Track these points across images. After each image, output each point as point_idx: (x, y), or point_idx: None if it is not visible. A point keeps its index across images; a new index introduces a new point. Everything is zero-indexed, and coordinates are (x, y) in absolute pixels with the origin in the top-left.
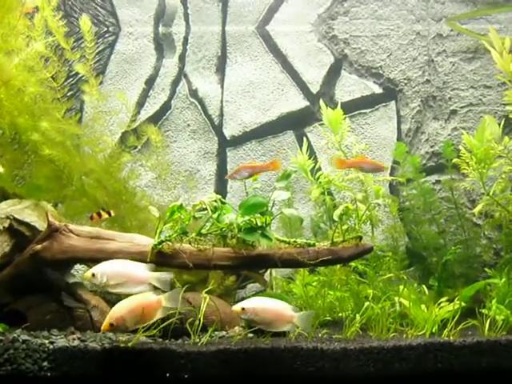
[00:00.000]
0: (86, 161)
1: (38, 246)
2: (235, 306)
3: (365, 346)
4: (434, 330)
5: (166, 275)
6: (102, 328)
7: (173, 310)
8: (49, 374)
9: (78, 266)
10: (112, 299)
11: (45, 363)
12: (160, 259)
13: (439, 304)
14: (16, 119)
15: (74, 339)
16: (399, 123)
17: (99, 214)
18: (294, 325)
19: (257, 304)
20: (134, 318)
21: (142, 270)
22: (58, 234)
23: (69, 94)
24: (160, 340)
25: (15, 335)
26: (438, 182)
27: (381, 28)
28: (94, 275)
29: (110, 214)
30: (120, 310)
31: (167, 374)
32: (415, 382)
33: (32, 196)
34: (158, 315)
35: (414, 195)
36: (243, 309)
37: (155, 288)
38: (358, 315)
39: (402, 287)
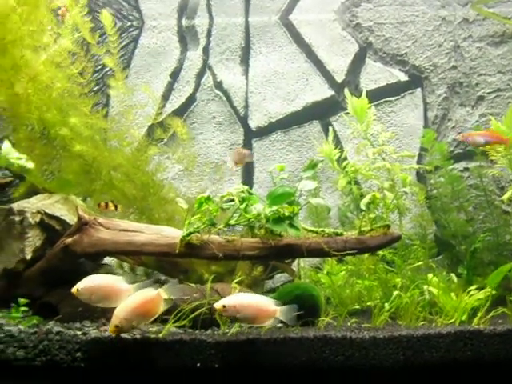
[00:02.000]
0: (113, 155)
1: (69, 240)
2: (216, 304)
3: (394, 335)
4: (463, 319)
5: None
6: (109, 331)
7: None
8: (82, 365)
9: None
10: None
11: (78, 354)
12: (189, 251)
13: (468, 292)
14: (44, 114)
15: (105, 330)
16: (425, 110)
17: (106, 205)
18: (278, 319)
19: (238, 301)
20: (138, 315)
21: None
22: (88, 228)
23: (95, 88)
24: (190, 330)
25: (49, 327)
26: (466, 169)
27: (405, 14)
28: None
29: (116, 208)
30: (122, 311)
31: (197, 364)
32: (445, 370)
33: (61, 190)
34: (162, 308)
35: (442, 183)
36: (224, 306)
37: (154, 283)
38: (386, 304)
39: (430, 276)
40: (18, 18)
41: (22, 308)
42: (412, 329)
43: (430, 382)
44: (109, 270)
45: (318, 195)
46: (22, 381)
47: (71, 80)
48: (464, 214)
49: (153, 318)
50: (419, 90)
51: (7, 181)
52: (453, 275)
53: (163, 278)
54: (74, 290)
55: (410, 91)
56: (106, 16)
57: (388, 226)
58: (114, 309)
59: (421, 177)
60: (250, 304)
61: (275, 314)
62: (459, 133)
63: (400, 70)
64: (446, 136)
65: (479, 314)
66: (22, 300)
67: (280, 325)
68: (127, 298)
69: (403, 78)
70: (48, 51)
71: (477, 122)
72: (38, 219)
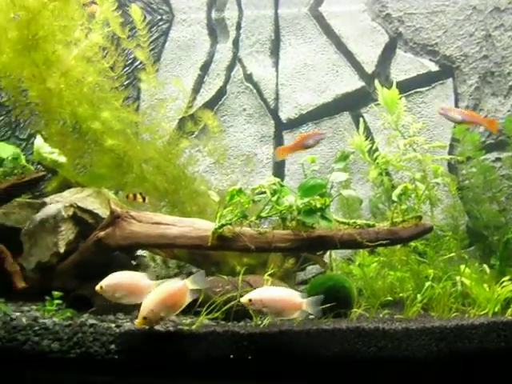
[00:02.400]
0: (145, 148)
1: (102, 233)
2: (243, 298)
3: (427, 326)
4: (496, 310)
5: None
6: (137, 323)
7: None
8: (116, 357)
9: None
10: None
11: (112, 346)
12: (221, 243)
13: (501, 283)
14: (76, 109)
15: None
16: (457, 101)
17: (134, 196)
18: (304, 311)
19: (264, 294)
20: (165, 307)
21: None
22: (121, 221)
23: (126, 82)
24: (223, 322)
25: (83, 319)
26: (497, 159)
27: (436, 4)
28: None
29: (144, 200)
30: (149, 303)
31: (231, 356)
32: (478, 361)
33: (94, 184)
34: (189, 299)
35: (474, 173)
36: (250, 300)
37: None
38: (419, 295)
39: (463, 267)
40: (49, 13)
41: (56, 301)
42: (445, 320)
43: (462, 374)
44: (143, 262)
45: (349, 187)
46: (56, 373)
47: (102, 74)
48: (496, 205)
49: (180, 309)
50: (450, 80)
51: (40, 175)
52: (485, 266)
53: (195, 270)
54: (97, 287)
55: (441, 81)
56: (135, 10)
57: (420, 217)
58: None
59: (452, 167)
60: (276, 297)
61: (301, 306)
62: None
63: (430, 60)
64: (477, 126)
65: None
66: (56, 293)
67: (312, 316)
68: (151, 292)
69: (434, 68)
70: (79, 46)
71: (509, 111)
72: (70, 213)
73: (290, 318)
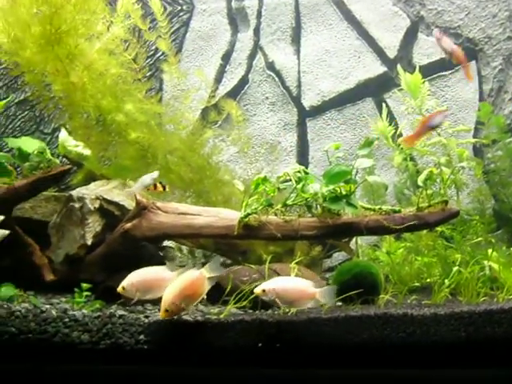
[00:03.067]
0: (169, 139)
1: (128, 225)
2: (256, 289)
3: (455, 311)
4: None
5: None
6: (160, 315)
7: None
8: (145, 347)
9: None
10: None
11: (141, 336)
12: (247, 232)
13: None
14: (99, 102)
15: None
16: (481, 83)
17: (155, 186)
18: (318, 300)
19: (277, 284)
20: (185, 298)
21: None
22: (147, 212)
23: (148, 74)
24: (250, 311)
25: (112, 311)
26: None
27: None
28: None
29: (164, 188)
30: (169, 295)
31: (259, 344)
32: (508, 345)
33: (119, 176)
34: (207, 287)
35: (500, 157)
36: (264, 290)
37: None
38: (446, 280)
39: (490, 251)
40: (72, 7)
41: (85, 293)
42: (473, 305)
43: (492, 358)
44: (168, 253)
45: (374, 173)
46: (87, 364)
47: (125, 66)
48: None
49: (200, 298)
50: (474, 62)
51: (66, 169)
52: None
53: (221, 259)
54: (119, 289)
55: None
56: (155, 2)
57: (446, 202)
58: None
59: (477, 151)
60: (289, 287)
61: (314, 296)
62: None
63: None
64: (502, 109)
65: None
66: (84, 285)
67: (340, 303)
68: (170, 284)
69: None
70: (101, 39)
71: None
72: (97, 205)
73: (302, 307)
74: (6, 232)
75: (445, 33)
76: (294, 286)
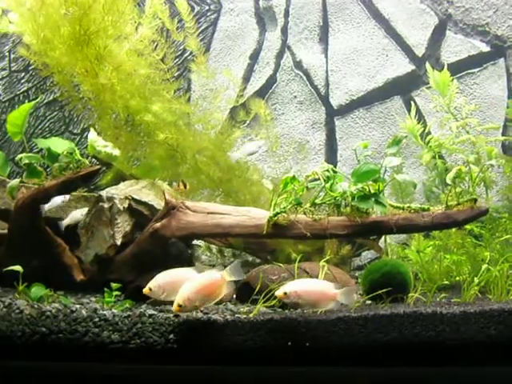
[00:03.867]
0: (198, 139)
1: (157, 224)
2: (278, 292)
3: (485, 309)
4: None
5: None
6: (173, 309)
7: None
8: (175, 346)
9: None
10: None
11: (171, 336)
12: (276, 231)
13: None
14: (128, 102)
15: (197, 312)
16: (509, 81)
17: (178, 185)
18: (338, 301)
19: (298, 287)
20: (201, 297)
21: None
22: (176, 212)
23: (176, 74)
24: (280, 310)
25: (142, 310)
26: None
27: None
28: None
29: (185, 187)
30: (186, 291)
31: (289, 343)
32: None
33: (148, 176)
34: (225, 290)
35: None
36: (285, 293)
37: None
38: (475, 278)
39: None
40: (101, 8)
41: (115, 292)
42: (503, 303)
43: None
44: (196, 253)
45: (401, 171)
46: (117, 363)
47: (153, 67)
48: None
49: (216, 300)
50: (502, 60)
51: (95, 169)
52: None
53: (250, 258)
54: (145, 290)
55: (493, 62)
56: (181, 3)
57: (475, 200)
58: None
59: (507, 148)
60: (310, 289)
61: (335, 297)
62: None
63: (481, 40)
64: None
65: None
66: (114, 285)
67: (369, 302)
68: (189, 280)
69: (485, 48)
70: (130, 40)
71: None
72: (126, 205)
73: (323, 309)
74: (67, 197)
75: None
76: (315, 288)
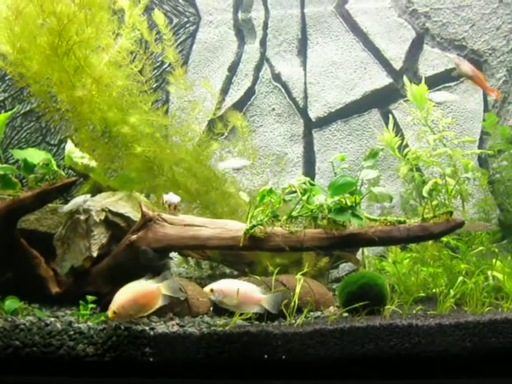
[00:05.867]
0: (175, 150)
1: (134, 236)
2: (206, 288)
3: (460, 321)
4: None
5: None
6: (109, 315)
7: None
8: (151, 359)
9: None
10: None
11: (147, 349)
12: (253, 243)
13: None
14: (105, 114)
15: (173, 325)
16: (485, 95)
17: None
18: (262, 306)
19: (225, 285)
20: (135, 306)
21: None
22: (152, 224)
23: (154, 85)
24: (256, 322)
25: (117, 323)
26: None
27: None
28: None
29: (175, 208)
30: (121, 299)
31: (265, 356)
32: None
33: (125, 188)
34: (159, 303)
35: (505, 167)
36: (212, 290)
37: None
38: (451, 290)
39: (495, 261)
40: (81, 20)
41: (91, 305)
42: (478, 315)
43: (497, 368)
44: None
45: (377, 184)
46: (92, 376)
47: (131, 78)
48: None
49: (149, 312)
50: None
51: (71, 180)
52: None
53: (228, 271)
54: (110, 314)
55: None
56: (158, 15)
57: (451, 213)
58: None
59: (483, 161)
60: (236, 290)
61: (260, 301)
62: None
63: (458, 54)
64: (506, 120)
65: None
66: (89, 297)
67: (346, 314)
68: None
69: None
70: (109, 52)
71: None
72: (102, 217)
73: (249, 312)
74: (88, 196)
75: (461, 61)
76: (242, 290)
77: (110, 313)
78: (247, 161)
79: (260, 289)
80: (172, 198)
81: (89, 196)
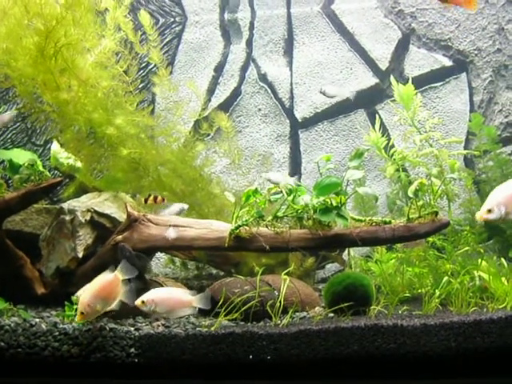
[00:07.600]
0: (161, 151)
1: (119, 237)
2: (137, 301)
3: (445, 322)
4: None
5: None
6: (77, 319)
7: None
8: (136, 360)
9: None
10: (194, 285)
11: (132, 350)
12: (238, 244)
13: None
14: (91, 114)
15: (158, 326)
16: (471, 95)
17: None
18: (195, 307)
19: (155, 295)
20: (100, 300)
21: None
22: (138, 224)
23: (140, 86)
24: (242, 323)
25: (102, 324)
26: None
27: None
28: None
29: (155, 200)
30: (85, 299)
31: (250, 356)
32: (497, 355)
33: (110, 188)
34: (122, 290)
35: (491, 167)
36: (143, 302)
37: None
38: (437, 290)
39: (481, 261)
40: (67, 22)
41: (76, 306)
42: (463, 315)
43: (482, 368)
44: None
45: (363, 184)
46: (77, 377)
47: (116, 79)
48: None
49: (116, 301)
50: (464, 74)
51: (57, 181)
52: (503, 260)
53: (214, 271)
54: (77, 318)
55: (455, 76)
56: (143, 16)
57: (436, 213)
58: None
59: (469, 162)
60: (167, 297)
61: (191, 303)
62: None
63: (444, 55)
64: (492, 120)
65: None
66: (75, 298)
67: (331, 315)
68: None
69: (447, 63)
70: (94, 53)
71: None
72: (88, 217)
73: (182, 315)
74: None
75: None
76: (172, 296)
77: (78, 316)
78: (185, 205)
79: (189, 291)
80: (176, 208)
81: (186, 206)
